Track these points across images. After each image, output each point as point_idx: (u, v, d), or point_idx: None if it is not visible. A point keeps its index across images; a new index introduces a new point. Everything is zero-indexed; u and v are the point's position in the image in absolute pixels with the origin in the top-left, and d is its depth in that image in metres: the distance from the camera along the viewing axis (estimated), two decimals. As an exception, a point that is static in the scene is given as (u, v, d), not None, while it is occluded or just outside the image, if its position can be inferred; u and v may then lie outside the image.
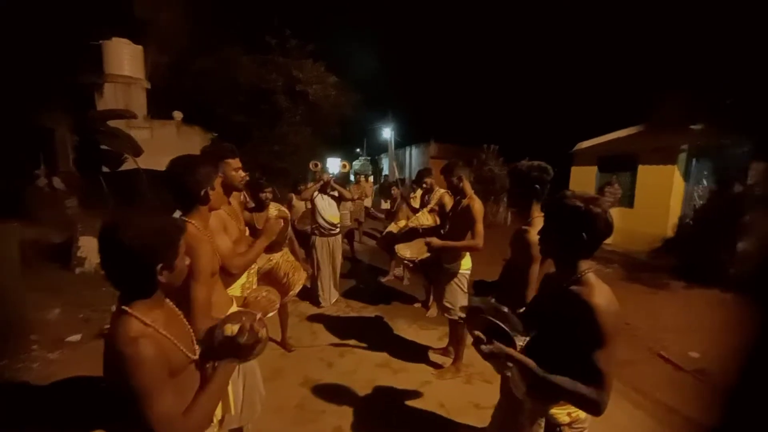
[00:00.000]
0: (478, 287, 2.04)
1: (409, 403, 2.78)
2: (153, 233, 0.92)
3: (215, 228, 1.66)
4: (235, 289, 1.91)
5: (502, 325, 1.22)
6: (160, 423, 0.87)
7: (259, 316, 1.13)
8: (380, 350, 3.51)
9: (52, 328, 3.76)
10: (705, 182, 7.34)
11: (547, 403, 1.25)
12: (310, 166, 5.02)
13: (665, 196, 7.60)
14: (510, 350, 1.19)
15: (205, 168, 1.50)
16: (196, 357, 1.08)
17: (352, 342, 3.70)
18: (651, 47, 11.18)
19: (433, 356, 3.46)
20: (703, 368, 3.27)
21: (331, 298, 4.68)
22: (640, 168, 8.22)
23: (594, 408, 1.10)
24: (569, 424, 1.23)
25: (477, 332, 1.26)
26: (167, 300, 1.08)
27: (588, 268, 1.19)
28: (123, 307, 0.94)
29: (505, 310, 1.29)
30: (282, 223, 2.12)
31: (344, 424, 2.51)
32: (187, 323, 1.13)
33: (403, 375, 3.14)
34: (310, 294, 4.71)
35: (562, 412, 1.23)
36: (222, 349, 1.07)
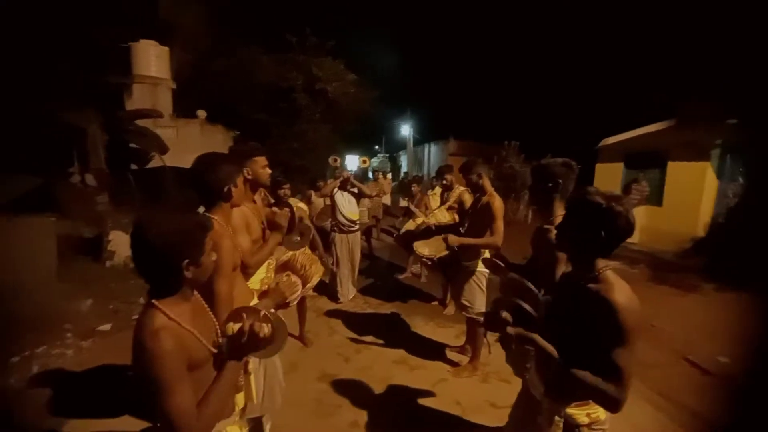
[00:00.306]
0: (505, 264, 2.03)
1: (425, 400, 2.78)
2: (179, 231, 0.96)
3: (238, 225, 1.71)
4: (255, 283, 1.96)
5: (529, 308, 1.21)
6: (175, 415, 0.90)
7: (263, 312, 1.14)
8: (397, 347, 3.53)
9: (84, 317, 3.95)
10: (740, 179, 6.99)
11: (565, 404, 1.22)
12: (330, 161, 5.08)
13: (696, 193, 7.28)
14: (534, 335, 1.18)
15: (228, 166, 1.54)
16: (216, 351, 1.11)
17: (369, 338, 3.72)
18: (682, 38, 10.67)
19: (450, 354, 3.45)
20: (731, 373, 3.13)
21: (349, 294, 4.73)
22: (670, 165, 7.90)
23: (613, 405, 1.08)
24: (588, 425, 1.20)
25: (505, 313, 1.24)
26: (195, 294, 1.12)
27: (606, 266, 1.16)
28: (151, 300, 0.98)
29: (535, 292, 1.27)
30: (288, 213, 2.16)
31: (360, 419, 2.54)
32: (213, 317, 1.16)
33: (419, 372, 3.15)
34: (328, 290, 4.78)
35: (581, 413, 1.21)
36: (227, 348, 1.10)
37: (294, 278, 1.80)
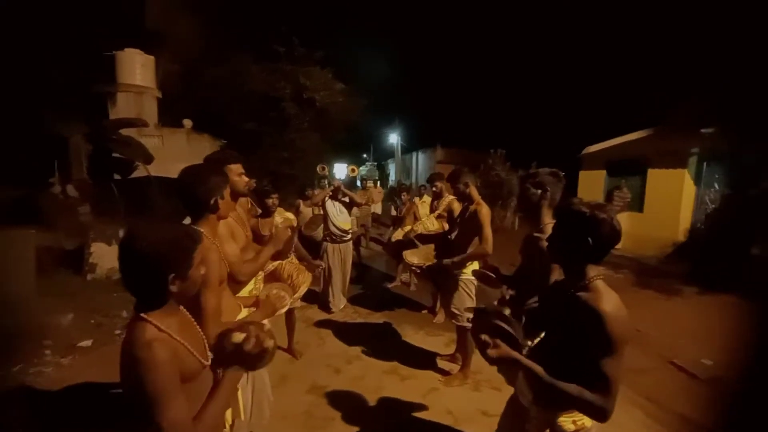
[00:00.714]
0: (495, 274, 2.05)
1: (417, 410, 2.76)
2: (166, 244, 0.94)
3: (223, 235, 1.68)
4: (245, 292, 1.93)
5: (509, 329, 1.22)
6: (171, 428, 0.88)
7: (267, 327, 1.14)
8: (388, 357, 3.50)
9: (64, 333, 3.82)
10: (717, 186, 7.23)
11: (553, 411, 1.24)
12: (318, 169, 5.05)
13: (676, 200, 7.50)
14: (516, 354, 1.19)
15: (216, 177, 1.51)
16: (209, 363, 1.09)
17: (359, 348, 3.69)
18: (661, 50, 11.09)
19: (441, 363, 3.44)
20: (716, 376, 3.20)
21: (339, 304, 4.69)
22: (650, 172, 8.13)
23: (600, 415, 1.10)
24: (575, 433, 1.21)
25: (484, 336, 1.25)
26: (181, 308, 1.10)
27: (596, 275, 1.19)
28: (139, 313, 0.96)
29: (508, 314, 1.29)
30: (290, 232, 2.14)
31: (352, 431, 2.50)
32: (200, 330, 1.15)
33: (410, 382, 3.13)
34: (319, 300, 4.73)
35: (567, 420, 1.22)
36: (229, 357, 1.08)
37: (284, 291, 1.78)
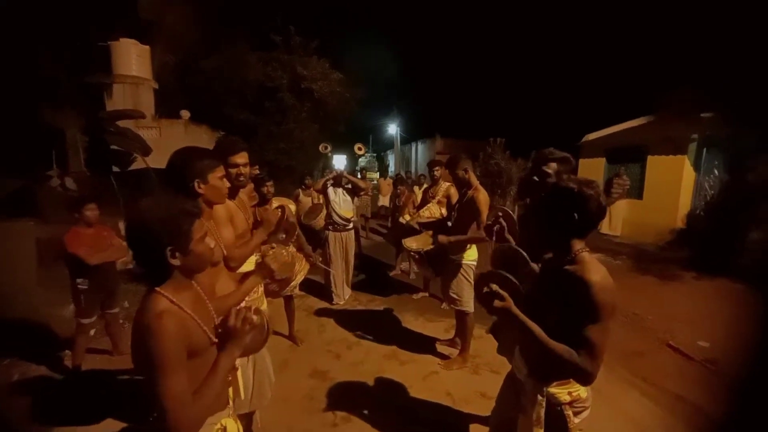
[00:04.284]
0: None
1: (417, 392, 2.81)
2: (161, 217, 0.96)
3: (221, 218, 1.68)
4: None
5: (515, 280, 1.27)
6: (170, 398, 0.91)
7: (255, 307, 1.17)
8: (387, 342, 3.54)
9: (66, 323, 3.85)
10: (716, 172, 7.22)
11: (548, 384, 1.26)
12: (320, 148, 4.94)
13: (675, 187, 7.49)
14: (517, 311, 1.23)
15: (198, 162, 1.47)
16: (217, 341, 1.11)
17: (359, 334, 3.73)
18: (658, 36, 10.97)
19: (440, 348, 3.48)
20: (712, 358, 3.24)
21: (344, 295, 4.62)
22: (650, 159, 8.11)
23: (585, 377, 1.13)
24: (570, 403, 1.24)
25: (494, 285, 1.28)
26: (195, 284, 1.12)
27: (582, 248, 1.21)
28: (154, 287, 0.99)
29: (526, 256, 1.32)
30: (280, 213, 2.12)
31: (352, 413, 2.54)
32: (211, 309, 1.16)
33: (410, 366, 3.17)
34: (322, 290, 4.73)
35: (563, 392, 1.25)
36: (222, 336, 1.11)
37: (280, 248, 1.73)
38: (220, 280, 1.54)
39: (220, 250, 1.53)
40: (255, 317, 1.12)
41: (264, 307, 2.05)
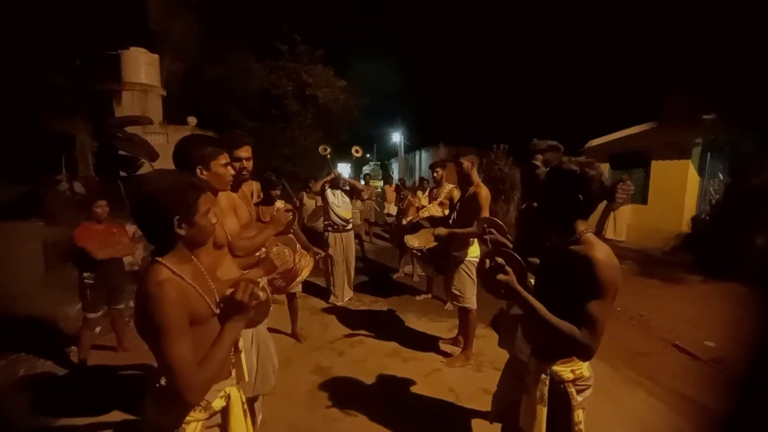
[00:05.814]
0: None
1: (419, 389, 2.80)
2: (169, 187, 1.00)
3: (225, 207, 1.72)
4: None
5: (519, 258, 1.30)
6: (177, 364, 0.93)
7: (262, 284, 1.18)
8: (390, 341, 3.54)
9: (72, 322, 3.89)
10: (720, 176, 7.19)
11: (551, 362, 1.27)
12: (320, 149, 4.97)
13: (680, 191, 7.45)
14: (519, 287, 1.24)
15: (203, 149, 1.51)
16: (218, 312, 1.13)
17: (362, 333, 3.73)
18: (661, 41, 11.04)
19: (443, 346, 3.47)
20: (718, 357, 3.21)
21: (344, 296, 4.64)
22: (654, 164, 8.09)
23: (585, 352, 1.15)
24: (573, 381, 1.24)
25: (499, 258, 1.30)
26: (195, 260, 1.14)
27: (585, 229, 1.23)
28: (155, 258, 1.02)
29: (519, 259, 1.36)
30: (290, 216, 2.14)
31: (355, 409, 2.53)
32: (211, 283, 1.18)
33: (413, 363, 3.16)
34: (325, 293, 4.73)
35: (566, 369, 1.25)
36: (226, 310, 1.13)
37: (285, 249, 1.77)
38: (223, 265, 1.57)
39: (223, 233, 1.56)
40: (261, 293, 1.14)
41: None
